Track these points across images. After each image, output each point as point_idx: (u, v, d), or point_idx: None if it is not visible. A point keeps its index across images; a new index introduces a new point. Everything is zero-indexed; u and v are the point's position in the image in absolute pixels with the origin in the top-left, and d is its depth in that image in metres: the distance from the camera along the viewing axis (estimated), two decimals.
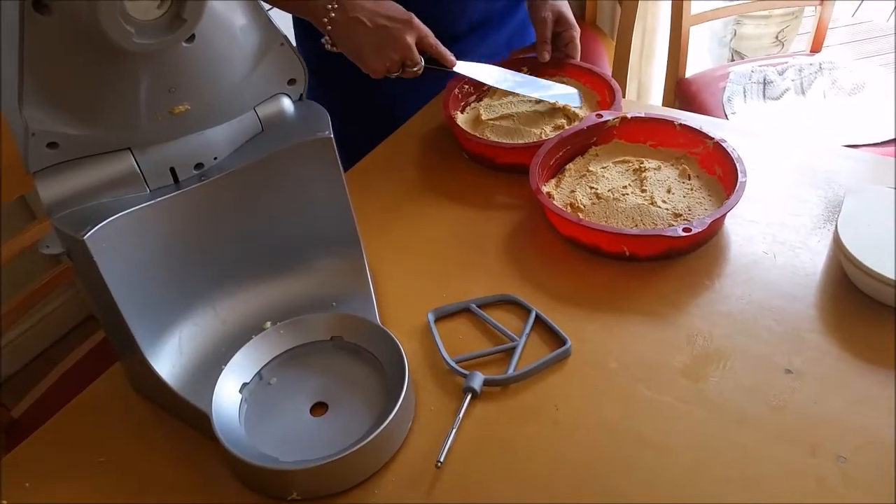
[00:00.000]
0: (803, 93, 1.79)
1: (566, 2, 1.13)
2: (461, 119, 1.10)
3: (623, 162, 0.96)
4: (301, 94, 0.77)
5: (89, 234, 0.64)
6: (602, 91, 1.09)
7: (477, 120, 1.09)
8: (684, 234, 0.81)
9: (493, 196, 0.99)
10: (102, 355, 1.30)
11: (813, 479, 0.63)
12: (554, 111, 1.07)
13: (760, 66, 1.87)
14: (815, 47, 1.95)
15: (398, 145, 1.12)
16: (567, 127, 1.02)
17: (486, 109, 1.10)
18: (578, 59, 1.14)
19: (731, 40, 2.73)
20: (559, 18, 1.11)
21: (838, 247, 0.79)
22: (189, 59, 0.63)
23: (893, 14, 3.24)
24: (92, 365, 1.30)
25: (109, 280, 0.66)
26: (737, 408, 0.69)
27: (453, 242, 0.92)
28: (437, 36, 1.00)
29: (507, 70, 1.10)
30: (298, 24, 1.24)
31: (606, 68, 2.03)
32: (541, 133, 1.03)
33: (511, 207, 0.96)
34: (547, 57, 1.12)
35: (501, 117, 1.07)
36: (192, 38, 0.61)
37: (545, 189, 0.93)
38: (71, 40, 0.57)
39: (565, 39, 1.13)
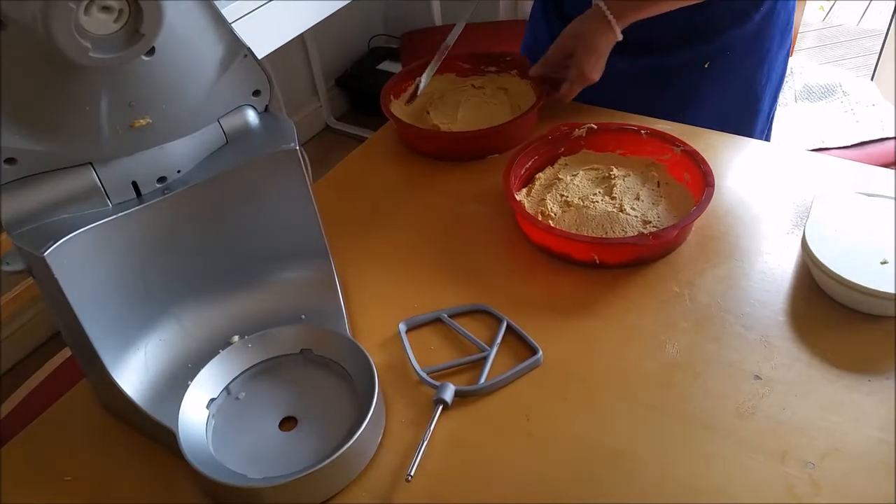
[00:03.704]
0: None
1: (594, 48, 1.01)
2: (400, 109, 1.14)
3: (592, 170, 0.97)
4: (266, 106, 0.76)
5: (50, 250, 0.62)
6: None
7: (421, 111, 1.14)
8: (653, 241, 0.81)
9: (465, 205, 0.98)
10: (73, 369, 1.28)
11: (782, 485, 0.63)
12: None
13: None
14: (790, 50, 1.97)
15: (366, 156, 1.12)
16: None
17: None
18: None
19: None
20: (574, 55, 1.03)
21: (806, 252, 0.79)
22: (149, 72, 0.62)
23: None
24: (64, 379, 1.28)
25: (72, 297, 0.65)
26: (706, 415, 0.69)
27: (424, 252, 0.92)
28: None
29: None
30: None
31: None
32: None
33: (483, 216, 0.96)
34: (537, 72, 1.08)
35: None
36: (151, 51, 0.60)
37: (517, 198, 0.93)
38: (27, 55, 0.56)
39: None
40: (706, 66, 1.10)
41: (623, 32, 0.99)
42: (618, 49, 1.01)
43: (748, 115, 1.18)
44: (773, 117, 1.25)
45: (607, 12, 0.98)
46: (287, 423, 0.71)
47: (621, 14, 0.98)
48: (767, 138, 1.27)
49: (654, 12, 0.99)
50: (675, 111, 1.08)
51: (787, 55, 1.20)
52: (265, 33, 1.65)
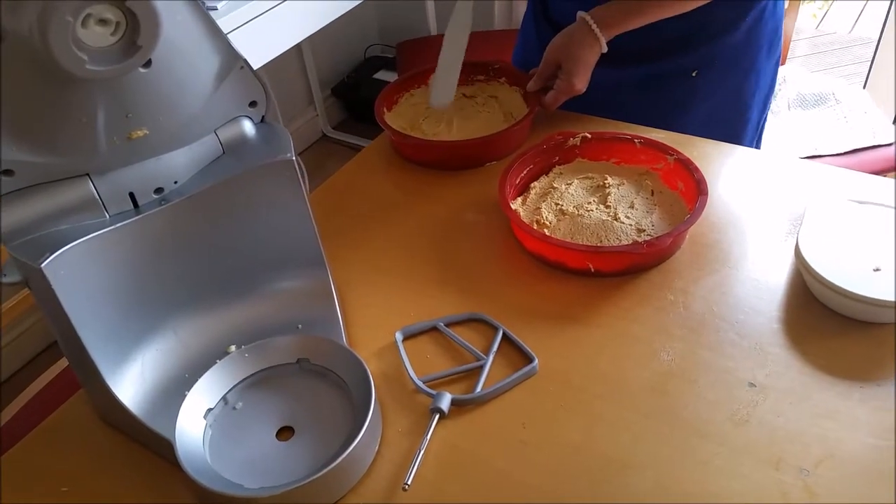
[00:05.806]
0: None
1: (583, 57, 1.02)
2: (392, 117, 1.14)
3: (586, 178, 0.97)
4: (262, 116, 0.77)
5: (47, 262, 0.63)
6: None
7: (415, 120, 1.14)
8: (647, 249, 0.81)
9: (461, 214, 0.99)
10: (71, 379, 1.28)
11: (777, 492, 0.64)
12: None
13: None
14: (780, 60, 1.98)
15: (362, 165, 1.12)
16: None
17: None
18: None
19: None
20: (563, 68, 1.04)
21: (800, 260, 0.80)
22: (146, 84, 0.63)
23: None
24: (62, 389, 1.28)
25: (69, 308, 0.65)
26: (700, 422, 0.70)
27: (420, 261, 0.92)
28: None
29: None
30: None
31: None
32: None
33: (478, 225, 0.96)
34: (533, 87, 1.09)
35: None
36: (148, 63, 0.61)
37: (512, 207, 0.94)
38: (24, 67, 0.57)
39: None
40: (694, 74, 1.11)
41: (611, 42, 1.00)
42: (607, 58, 1.01)
43: (737, 124, 1.19)
44: (762, 128, 1.26)
45: (592, 24, 0.99)
46: (284, 432, 0.71)
47: (607, 26, 0.99)
48: (757, 148, 1.27)
49: (639, 24, 1.00)
50: (663, 119, 1.09)
51: (777, 65, 1.21)
52: (261, 44, 1.66)
